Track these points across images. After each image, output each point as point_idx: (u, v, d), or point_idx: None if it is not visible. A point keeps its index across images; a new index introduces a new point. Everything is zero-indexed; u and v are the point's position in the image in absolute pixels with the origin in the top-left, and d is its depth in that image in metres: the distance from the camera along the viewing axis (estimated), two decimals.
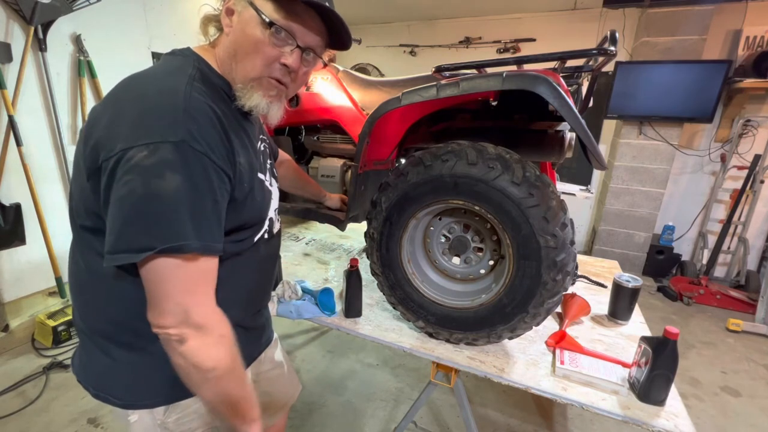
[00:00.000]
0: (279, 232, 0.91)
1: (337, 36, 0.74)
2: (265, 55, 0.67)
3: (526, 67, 1.08)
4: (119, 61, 2.61)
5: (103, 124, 0.59)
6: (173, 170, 0.56)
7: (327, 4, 0.66)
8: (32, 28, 2.11)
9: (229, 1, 0.68)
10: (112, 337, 0.70)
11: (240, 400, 0.67)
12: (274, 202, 0.85)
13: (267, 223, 0.81)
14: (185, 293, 0.60)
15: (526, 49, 3.84)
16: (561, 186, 1.81)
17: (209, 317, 0.62)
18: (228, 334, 0.65)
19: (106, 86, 2.53)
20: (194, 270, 0.60)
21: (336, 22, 0.70)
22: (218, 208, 0.62)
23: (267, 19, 0.65)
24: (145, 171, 0.55)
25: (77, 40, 2.37)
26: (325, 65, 0.78)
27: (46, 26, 2.20)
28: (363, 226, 1.27)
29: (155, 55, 2.83)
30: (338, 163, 1.62)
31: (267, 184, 0.80)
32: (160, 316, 0.60)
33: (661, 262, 3.50)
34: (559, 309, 1.30)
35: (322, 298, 1.26)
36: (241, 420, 0.69)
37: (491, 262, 1.09)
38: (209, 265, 0.63)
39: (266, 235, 0.82)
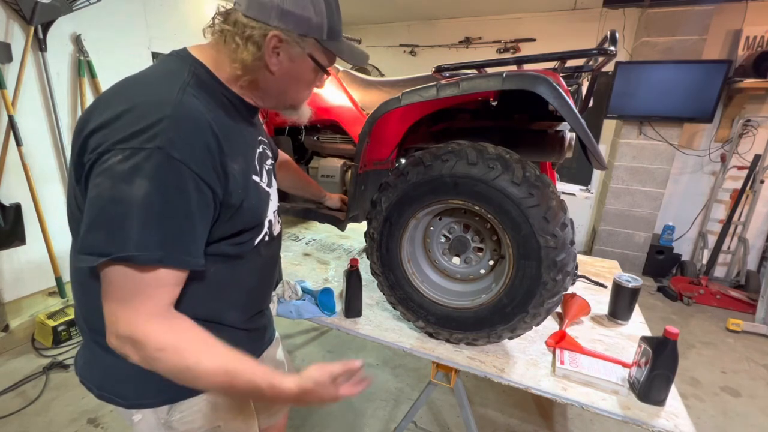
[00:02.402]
0: (279, 233, 0.90)
1: None
2: (310, 87, 0.78)
3: (526, 67, 1.08)
4: (119, 61, 2.61)
5: (90, 127, 0.59)
6: (143, 177, 0.55)
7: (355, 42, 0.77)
8: (32, 28, 2.11)
9: (273, 38, 0.64)
10: None
11: (233, 387, 0.61)
12: (273, 204, 0.85)
13: (267, 225, 0.80)
14: (124, 303, 0.58)
15: (526, 49, 3.84)
16: (561, 186, 1.81)
17: (140, 331, 0.58)
18: (167, 346, 0.59)
19: (106, 86, 2.49)
20: (144, 282, 0.57)
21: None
22: (193, 221, 0.60)
23: (327, 70, 0.74)
24: (116, 175, 0.55)
25: (77, 40, 2.38)
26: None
27: (46, 26, 2.20)
28: (363, 226, 1.27)
29: (155, 55, 2.83)
30: (338, 163, 1.62)
31: (264, 185, 0.79)
32: (106, 321, 0.59)
33: (661, 262, 3.50)
34: (559, 309, 1.30)
35: (322, 298, 1.26)
36: (259, 397, 0.66)
37: (491, 262, 1.09)
38: (165, 277, 0.60)
39: (267, 238, 0.81)
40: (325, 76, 0.78)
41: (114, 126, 0.57)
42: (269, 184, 0.83)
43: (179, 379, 0.60)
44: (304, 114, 0.83)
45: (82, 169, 0.59)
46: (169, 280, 0.60)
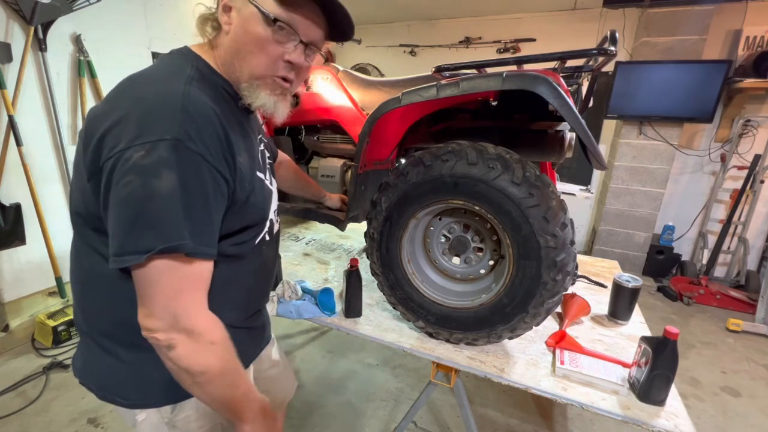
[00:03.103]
0: (278, 232, 0.91)
1: (338, 26, 0.72)
2: (270, 53, 0.66)
3: (526, 67, 1.08)
4: (119, 61, 2.61)
5: (104, 126, 0.59)
6: (169, 168, 0.56)
7: None
8: (32, 28, 2.11)
9: None
10: (116, 337, 0.70)
11: (232, 402, 0.67)
12: (274, 203, 0.85)
13: (268, 224, 0.81)
14: (175, 297, 0.59)
15: (526, 49, 3.84)
16: (561, 186, 1.81)
17: (199, 322, 0.62)
18: (219, 340, 0.64)
19: (106, 86, 2.53)
20: (187, 273, 0.60)
21: (338, 12, 0.68)
22: (210, 211, 0.61)
23: (270, 16, 0.64)
24: (144, 171, 0.55)
25: (77, 40, 2.37)
26: (326, 60, 0.78)
27: (46, 26, 2.20)
28: (363, 226, 1.27)
29: (155, 55, 2.83)
30: (338, 163, 1.62)
31: (267, 183, 0.80)
32: (148, 319, 0.60)
33: (661, 262, 3.50)
34: (559, 309, 1.30)
35: (322, 298, 1.26)
36: (236, 419, 0.69)
37: (491, 262, 1.09)
38: (202, 269, 0.62)
39: (267, 236, 0.82)
40: (293, 39, 0.67)
41: (128, 122, 0.57)
42: (271, 182, 0.84)
43: (210, 376, 0.63)
44: (269, 104, 0.71)
45: (96, 168, 0.59)
46: (203, 272, 0.63)
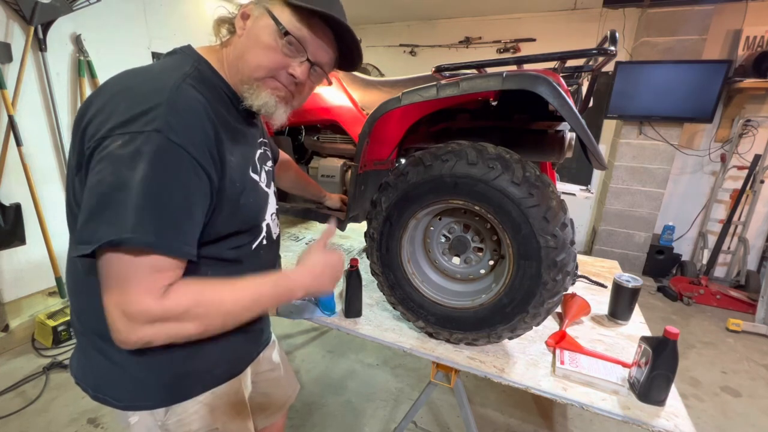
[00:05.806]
0: (278, 237, 0.90)
1: (348, 55, 0.76)
2: (273, 60, 0.68)
3: (526, 67, 1.08)
4: (119, 61, 2.61)
5: (90, 115, 0.59)
6: (143, 160, 0.54)
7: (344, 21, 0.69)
8: (32, 28, 2.11)
9: (247, 6, 0.69)
10: (107, 337, 0.68)
11: (251, 307, 0.68)
12: (272, 207, 0.84)
13: (265, 228, 0.80)
14: (122, 288, 0.56)
15: (526, 49, 3.84)
16: (561, 186, 1.81)
17: (153, 306, 0.57)
18: (188, 305, 0.59)
19: None
20: (144, 264, 0.56)
21: (349, 41, 0.72)
22: (189, 206, 0.59)
23: (283, 29, 0.66)
24: (116, 160, 0.54)
25: (77, 40, 2.38)
26: (330, 83, 0.81)
27: (46, 26, 2.20)
28: (363, 226, 1.27)
29: (155, 56, 2.83)
30: (338, 163, 1.62)
31: (263, 185, 0.79)
32: (115, 333, 0.58)
33: (661, 262, 3.50)
34: (559, 309, 1.30)
35: (322, 298, 1.26)
36: (286, 299, 0.73)
37: (491, 262, 1.09)
38: (169, 266, 0.58)
39: (265, 241, 0.81)
40: (301, 55, 0.69)
41: (112, 111, 0.57)
42: (268, 185, 0.83)
43: (214, 326, 0.63)
44: (270, 103, 0.71)
45: (82, 157, 0.59)
46: (166, 266, 0.58)
